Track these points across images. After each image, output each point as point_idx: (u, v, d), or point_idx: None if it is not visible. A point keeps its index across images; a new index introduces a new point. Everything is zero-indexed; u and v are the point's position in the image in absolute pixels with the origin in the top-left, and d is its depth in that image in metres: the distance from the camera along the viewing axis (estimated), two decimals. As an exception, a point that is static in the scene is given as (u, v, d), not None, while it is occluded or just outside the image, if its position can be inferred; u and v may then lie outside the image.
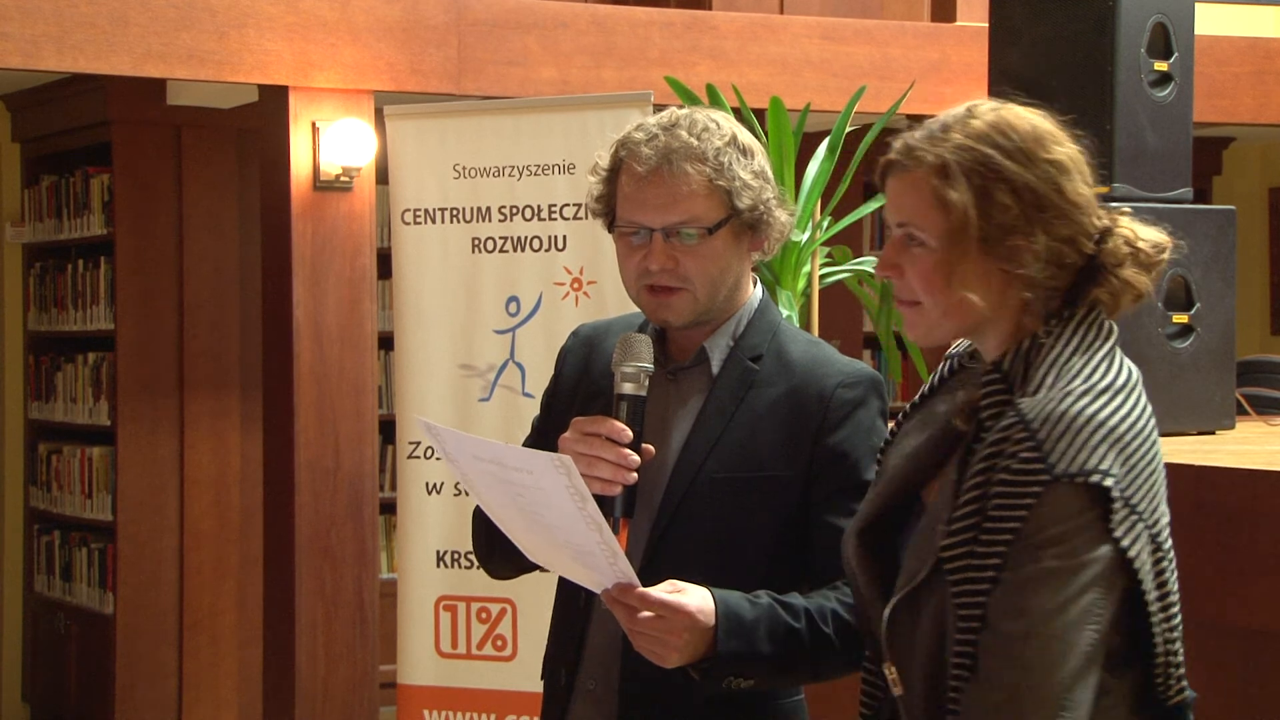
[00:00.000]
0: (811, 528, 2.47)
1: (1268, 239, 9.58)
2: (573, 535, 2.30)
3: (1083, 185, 2.09)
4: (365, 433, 6.45)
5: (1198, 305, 4.09)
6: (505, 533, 2.47)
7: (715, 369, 2.55)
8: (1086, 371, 2.04)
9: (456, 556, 5.00)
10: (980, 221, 2.05)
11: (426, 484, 5.03)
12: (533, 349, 4.94)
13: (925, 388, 2.28)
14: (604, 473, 2.40)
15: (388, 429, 7.35)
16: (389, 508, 7.23)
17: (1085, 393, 2.01)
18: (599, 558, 2.30)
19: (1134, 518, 1.99)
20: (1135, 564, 1.99)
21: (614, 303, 4.82)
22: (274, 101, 6.39)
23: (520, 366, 4.97)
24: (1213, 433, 4.13)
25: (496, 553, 2.58)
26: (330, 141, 6.32)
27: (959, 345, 2.28)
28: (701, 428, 2.51)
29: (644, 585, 2.32)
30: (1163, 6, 4.14)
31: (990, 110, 2.11)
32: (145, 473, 7.29)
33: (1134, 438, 2.01)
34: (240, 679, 7.43)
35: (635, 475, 2.41)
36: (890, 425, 2.36)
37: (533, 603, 4.72)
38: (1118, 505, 1.98)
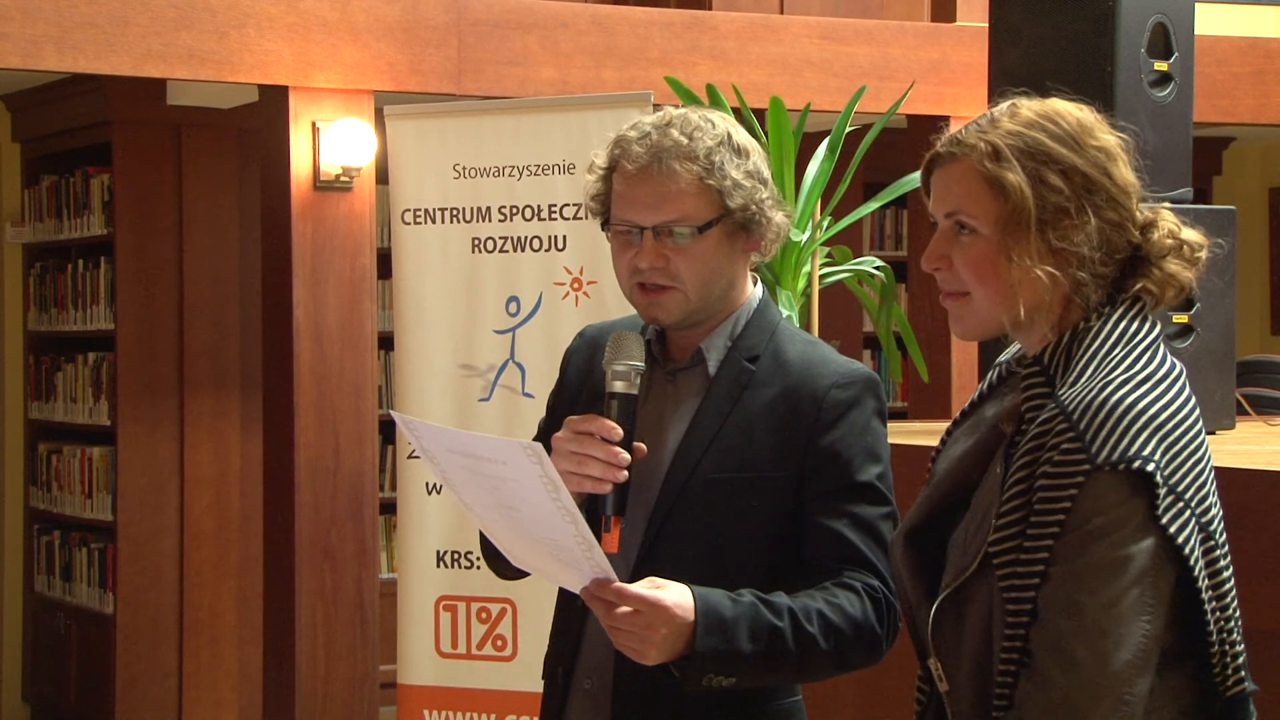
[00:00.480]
0: (804, 528, 2.47)
1: (1268, 239, 9.58)
2: (548, 529, 2.29)
3: (1129, 172, 2.12)
4: (365, 433, 6.45)
5: (1198, 305, 4.09)
6: (488, 535, 2.47)
7: (712, 369, 2.55)
8: (1128, 362, 2.05)
9: (456, 556, 4.99)
10: (1036, 202, 2.06)
11: (426, 484, 5.03)
12: (533, 349, 4.94)
13: (975, 395, 2.29)
14: (594, 471, 2.40)
15: (388, 429, 7.35)
16: (389, 508, 7.23)
17: (1125, 382, 2.01)
18: (575, 552, 2.30)
19: (1180, 505, 1.98)
20: (1185, 551, 1.98)
21: (614, 302, 4.81)
22: (274, 101, 6.39)
23: (520, 366, 4.96)
24: (1213, 433, 4.13)
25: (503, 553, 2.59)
26: (330, 141, 6.32)
27: (1007, 353, 2.28)
28: (697, 428, 2.51)
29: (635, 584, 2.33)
30: (1163, 6, 4.14)
31: (1037, 103, 2.14)
32: (145, 473, 7.29)
33: (1176, 426, 2.01)
34: (240, 679, 7.43)
35: (626, 474, 2.41)
36: (929, 433, 2.36)
37: (533, 603, 4.72)
38: (1163, 492, 1.97)
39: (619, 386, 2.45)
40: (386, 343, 7.12)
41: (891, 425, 2.63)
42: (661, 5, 7.21)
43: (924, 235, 2.47)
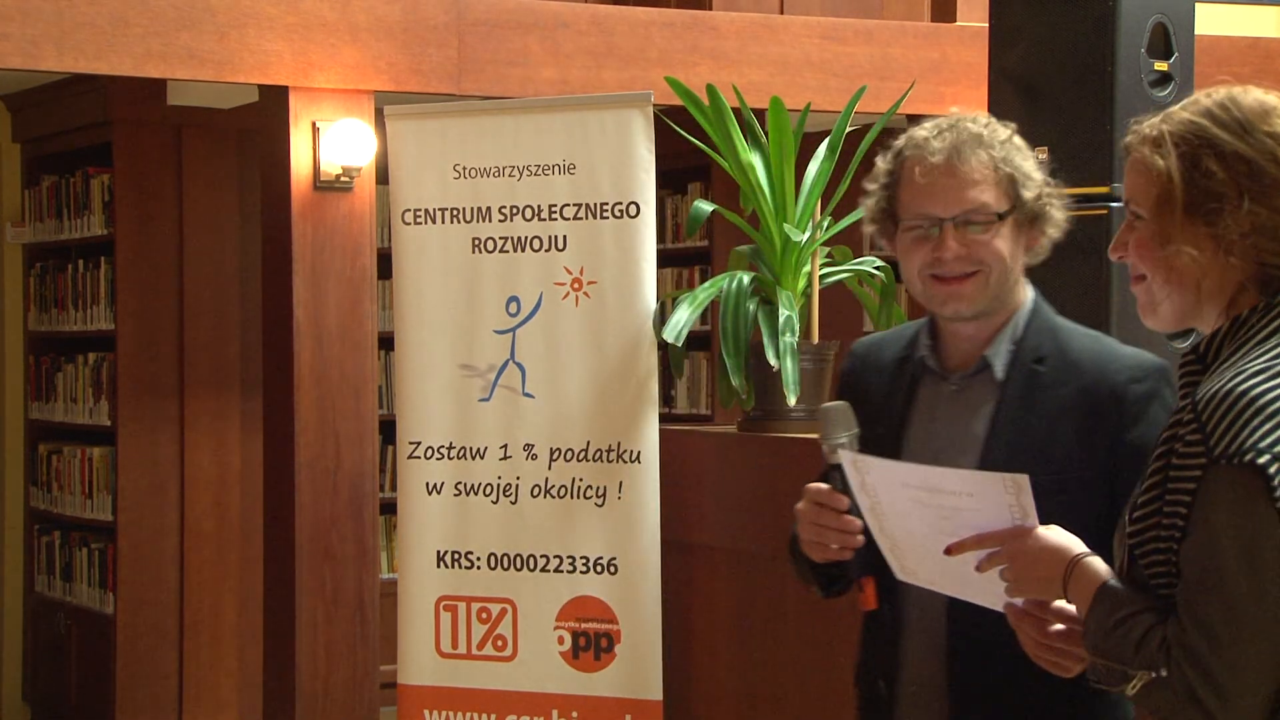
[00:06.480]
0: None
1: (1268, 239, 9.57)
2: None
3: None
4: (365, 433, 6.45)
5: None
6: (885, 551, 2.47)
7: (1000, 375, 2.58)
8: (1275, 353, 2.00)
9: (456, 556, 4.99)
10: (1184, 185, 2.07)
11: (426, 484, 5.03)
12: (533, 349, 4.94)
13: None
14: (833, 540, 2.51)
15: (388, 429, 7.34)
16: (389, 508, 7.23)
17: (1259, 373, 1.97)
18: None
19: None
20: None
21: (614, 303, 4.82)
22: (274, 101, 6.39)
23: (520, 366, 4.96)
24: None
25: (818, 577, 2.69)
26: (330, 141, 6.32)
27: None
28: (997, 435, 2.55)
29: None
30: (1163, 6, 4.14)
31: (1223, 90, 2.14)
32: (145, 473, 7.29)
33: None
34: (240, 679, 7.43)
35: (862, 538, 2.48)
36: None
37: (533, 603, 4.71)
38: None
39: (839, 458, 2.51)
40: (386, 343, 7.12)
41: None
42: (661, 5, 7.21)
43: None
